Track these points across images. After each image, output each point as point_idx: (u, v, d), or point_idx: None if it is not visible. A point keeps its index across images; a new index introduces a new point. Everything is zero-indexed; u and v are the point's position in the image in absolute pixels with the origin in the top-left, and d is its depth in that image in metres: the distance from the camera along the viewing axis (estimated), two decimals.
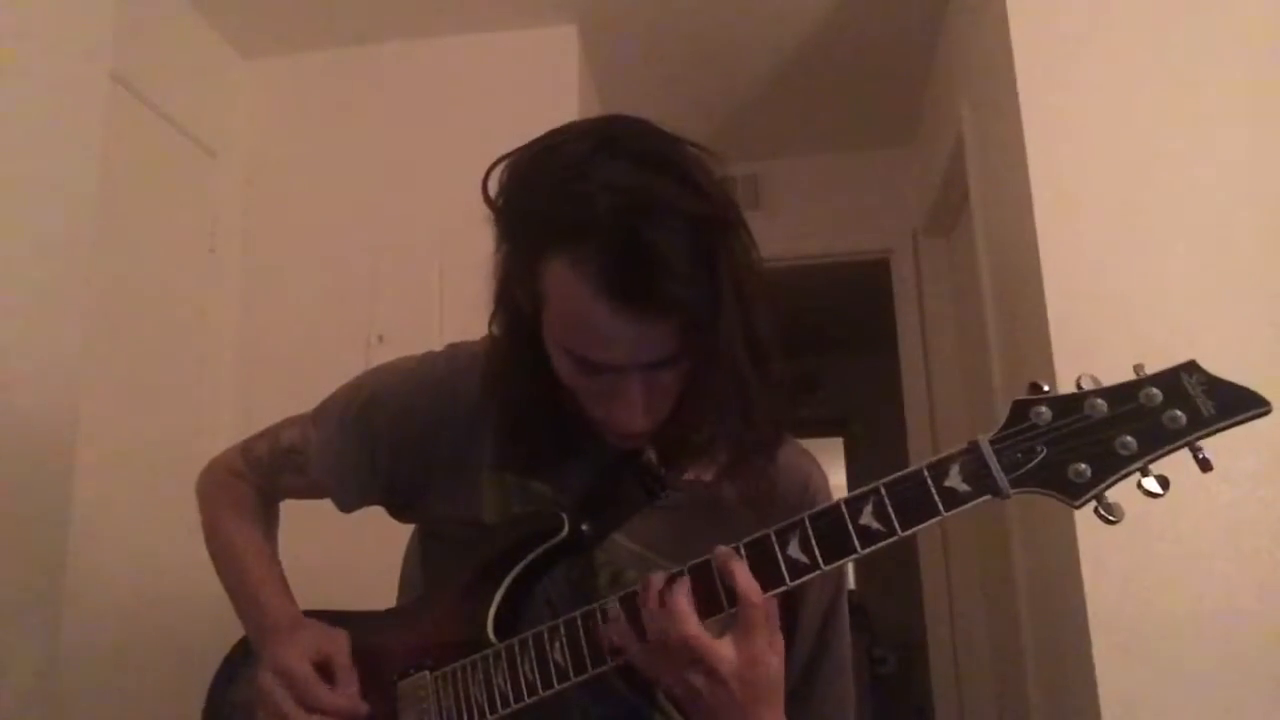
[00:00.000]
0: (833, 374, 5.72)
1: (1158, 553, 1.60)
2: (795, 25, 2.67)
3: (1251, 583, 1.59)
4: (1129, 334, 1.68)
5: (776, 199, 3.38)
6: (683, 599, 0.76)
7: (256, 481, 1.09)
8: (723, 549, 0.77)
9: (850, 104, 3.11)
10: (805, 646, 0.94)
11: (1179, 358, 0.72)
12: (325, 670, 0.91)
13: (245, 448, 1.10)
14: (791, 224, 3.34)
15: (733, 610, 0.76)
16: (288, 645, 0.92)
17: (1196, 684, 1.57)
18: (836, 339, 5.21)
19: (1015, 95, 1.86)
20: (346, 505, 1.05)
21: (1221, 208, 1.74)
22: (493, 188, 0.85)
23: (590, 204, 0.75)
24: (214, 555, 1.08)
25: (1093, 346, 1.68)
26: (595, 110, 2.82)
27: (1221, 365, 0.71)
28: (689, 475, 0.95)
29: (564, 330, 0.81)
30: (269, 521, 1.11)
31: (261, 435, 1.10)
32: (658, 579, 0.78)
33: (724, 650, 0.75)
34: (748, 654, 0.75)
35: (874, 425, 4.91)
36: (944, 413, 3.19)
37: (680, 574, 0.78)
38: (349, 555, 1.66)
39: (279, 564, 1.07)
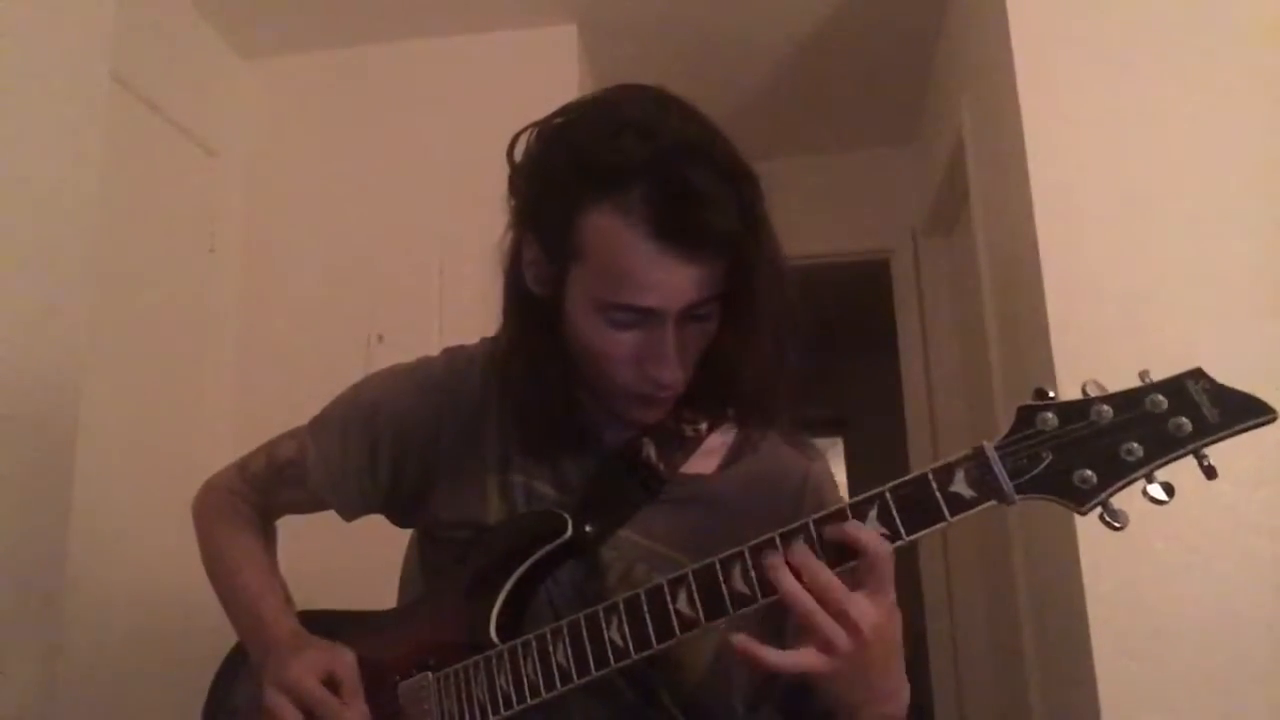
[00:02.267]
0: (833, 374, 5.72)
1: (1157, 552, 1.60)
2: (795, 25, 2.67)
3: (1251, 583, 1.59)
4: (1129, 334, 1.67)
5: (776, 199, 3.36)
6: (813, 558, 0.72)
7: (254, 499, 1.08)
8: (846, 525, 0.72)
9: (850, 104, 3.11)
10: None
11: (1179, 357, 0.72)
12: (332, 688, 0.90)
13: (241, 465, 1.09)
14: (791, 224, 3.32)
15: (853, 564, 0.72)
16: (294, 662, 0.90)
17: (1196, 684, 1.57)
18: (836, 339, 5.20)
19: (1015, 95, 1.86)
20: (348, 514, 1.04)
21: (1222, 207, 1.73)
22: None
23: (633, 150, 0.78)
24: (211, 572, 1.07)
25: (1093, 346, 1.68)
26: None
27: (1221, 365, 0.71)
28: (688, 470, 0.95)
29: (606, 281, 0.82)
30: (267, 538, 1.09)
31: (257, 451, 1.09)
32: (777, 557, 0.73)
33: (864, 604, 0.71)
34: (884, 607, 0.73)
35: (874, 425, 4.90)
36: (944, 413, 3.18)
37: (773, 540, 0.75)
38: (348, 557, 1.66)
39: (279, 578, 1.05)
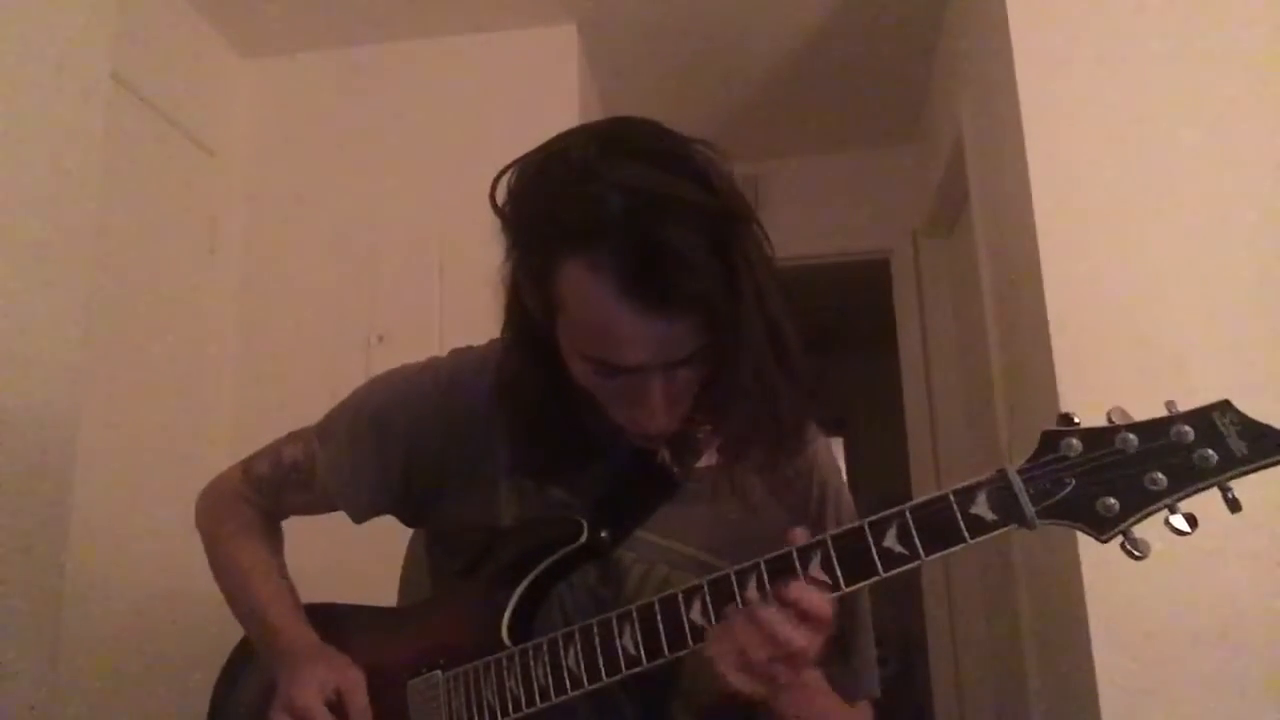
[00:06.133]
0: (833, 374, 5.71)
1: (1157, 552, 1.59)
2: (795, 25, 2.66)
3: (1251, 583, 1.59)
4: (1129, 334, 1.67)
5: (776, 199, 3.38)
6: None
7: (259, 501, 1.06)
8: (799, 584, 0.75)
9: (850, 104, 3.11)
10: None
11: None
12: (339, 707, 0.89)
13: (245, 467, 1.08)
14: (791, 224, 3.33)
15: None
16: (301, 681, 0.89)
17: (1196, 684, 1.57)
18: (836, 339, 5.20)
19: (1015, 95, 1.86)
20: (359, 516, 1.02)
21: (1222, 208, 1.73)
22: (498, 196, 0.83)
23: (602, 205, 0.74)
24: (218, 576, 1.06)
25: (1092, 346, 1.67)
26: (595, 110, 2.82)
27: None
28: (701, 464, 0.95)
29: (582, 335, 0.80)
30: (274, 540, 1.08)
31: (262, 454, 1.07)
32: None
33: (809, 636, 0.74)
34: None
35: (874, 425, 4.91)
36: (944, 413, 3.18)
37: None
38: (348, 554, 1.66)
39: (288, 581, 1.04)
